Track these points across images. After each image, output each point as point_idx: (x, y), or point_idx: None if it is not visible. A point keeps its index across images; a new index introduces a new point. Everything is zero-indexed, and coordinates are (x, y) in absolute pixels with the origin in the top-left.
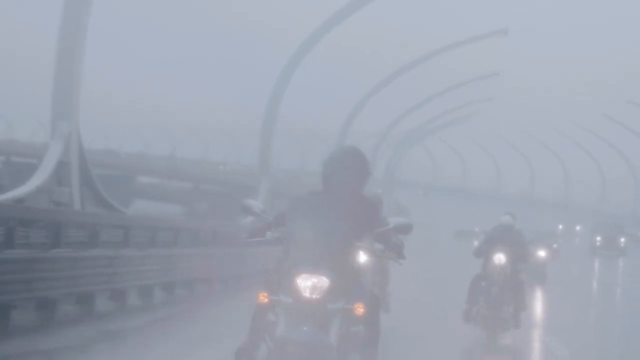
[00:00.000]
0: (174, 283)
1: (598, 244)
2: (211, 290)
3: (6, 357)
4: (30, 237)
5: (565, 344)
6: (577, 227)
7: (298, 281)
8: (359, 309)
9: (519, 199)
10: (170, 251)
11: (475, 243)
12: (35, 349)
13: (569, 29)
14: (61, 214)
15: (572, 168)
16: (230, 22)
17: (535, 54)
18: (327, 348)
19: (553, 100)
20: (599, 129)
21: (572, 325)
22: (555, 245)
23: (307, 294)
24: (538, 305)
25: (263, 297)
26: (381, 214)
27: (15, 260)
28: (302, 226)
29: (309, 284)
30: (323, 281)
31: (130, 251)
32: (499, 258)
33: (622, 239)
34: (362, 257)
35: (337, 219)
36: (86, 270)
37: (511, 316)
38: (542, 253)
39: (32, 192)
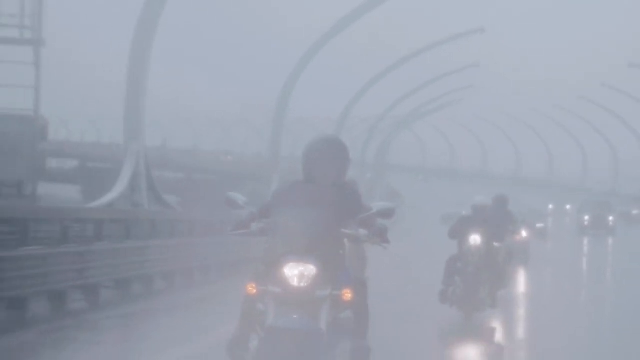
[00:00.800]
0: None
1: (586, 223)
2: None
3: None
4: (114, 231)
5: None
6: (567, 207)
7: (285, 270)
8: (347, 295)
9: (505, 179)
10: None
11: None
12: None
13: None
14: (137, 214)
15: (556, 147)
16: (237, 13)
17: (515, 43)
18: (318, 334)
19: (533, 85)
20: (579, 109)
21: (552, 304)
22: (540, 225)
23: (295, 282)
24: (519, 284)
25: (251, 288)
26: (363, 200)
27: (126, 248)
28: (286, 216)
29: (297, 272)
30: (310, 269)
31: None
32: (474, 239)
33: (611, 218)
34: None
35: (320, 207)
36: (154, 255)
37: (487, 296)
38: (524, 233)
39: (117, 197)
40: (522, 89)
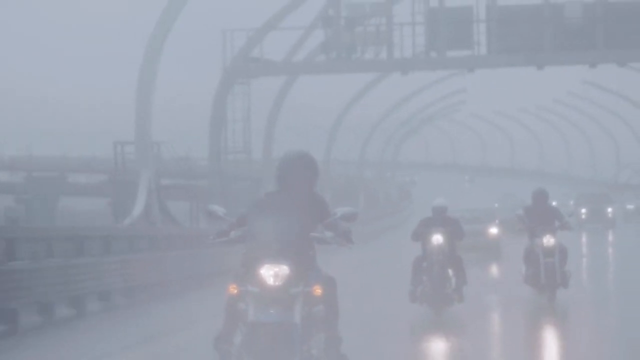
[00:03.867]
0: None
1: (583, 216)
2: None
3: None
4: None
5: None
6: (571, 202)
7: (262, 271)
8: (317, 291)
9: (505, 170)
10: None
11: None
12: None
13: None
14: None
15: (553, 140)
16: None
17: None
18: (293, 327)
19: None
20: (571, 101)
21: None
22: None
23: (270, 282)
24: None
25: (233, 289)
26: (328, 207)
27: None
28: (262, 223)
29: (272, 272)
30: (283, 269)
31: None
32: (437, 239)
33: (610, 210)
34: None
35: (291, 214)
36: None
37: (454, 291)
38: (493, 230)
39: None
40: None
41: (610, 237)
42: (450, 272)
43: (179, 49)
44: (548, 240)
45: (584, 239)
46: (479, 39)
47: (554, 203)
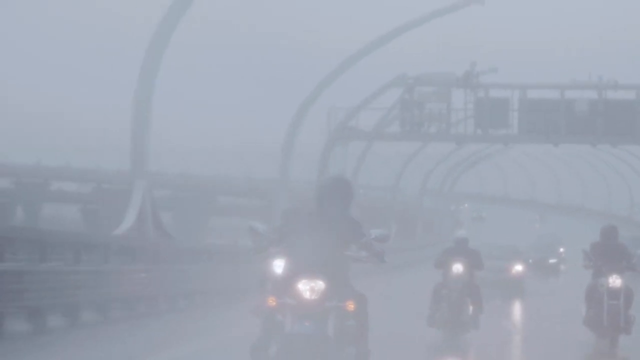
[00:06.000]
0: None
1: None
2: None
3: None
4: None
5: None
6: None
7: (299, 286)
8: (350, 306)
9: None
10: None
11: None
12: None
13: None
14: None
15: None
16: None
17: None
18: (326, 339)
19: None
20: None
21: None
22: (531, 260)
23: (307, 295)
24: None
25: (272, 301)
26: (362, 228)
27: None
28: (301, 241)
29: (308, 287)
30: (319, 284)
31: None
32: (457, 268)
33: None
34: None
35: (328, 234)
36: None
37: (470, 318)
38: (518, 267)
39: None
40: None
41: None
42: (468, 300)
43: (310, 120)
44: (614, 280)
45: None
46: (513, 122)
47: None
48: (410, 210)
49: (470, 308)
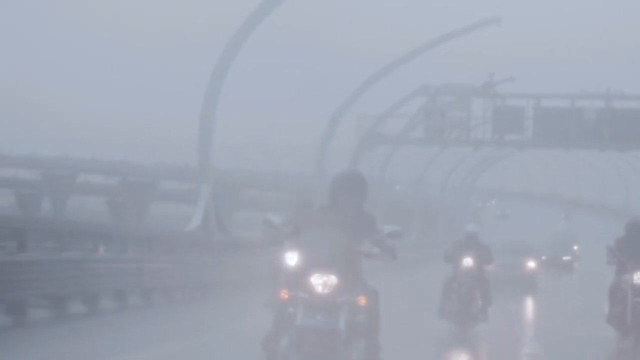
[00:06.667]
0: None
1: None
2: None
3: None
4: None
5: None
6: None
7: (312, 280)
8: (362, 301)
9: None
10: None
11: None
12: None
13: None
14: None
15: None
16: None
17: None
18: (337, 333)
19: None
20: None
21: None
22: (544, 257)
23: (319, 289)
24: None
25: (284, 294)
26: (376, 224)
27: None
28: (314, 235)
29: (321, 281)
30: (332, 279)
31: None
32: (467, 261)
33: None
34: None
35: (341, 229)
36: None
37: (479, 311)
38: (530, 264)
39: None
40: None
41: None
42: (477, 293)
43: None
44: (639, 277)
45: None
46: (527, 128)
47: None
48: (432, 207)
49: (480, 301)
